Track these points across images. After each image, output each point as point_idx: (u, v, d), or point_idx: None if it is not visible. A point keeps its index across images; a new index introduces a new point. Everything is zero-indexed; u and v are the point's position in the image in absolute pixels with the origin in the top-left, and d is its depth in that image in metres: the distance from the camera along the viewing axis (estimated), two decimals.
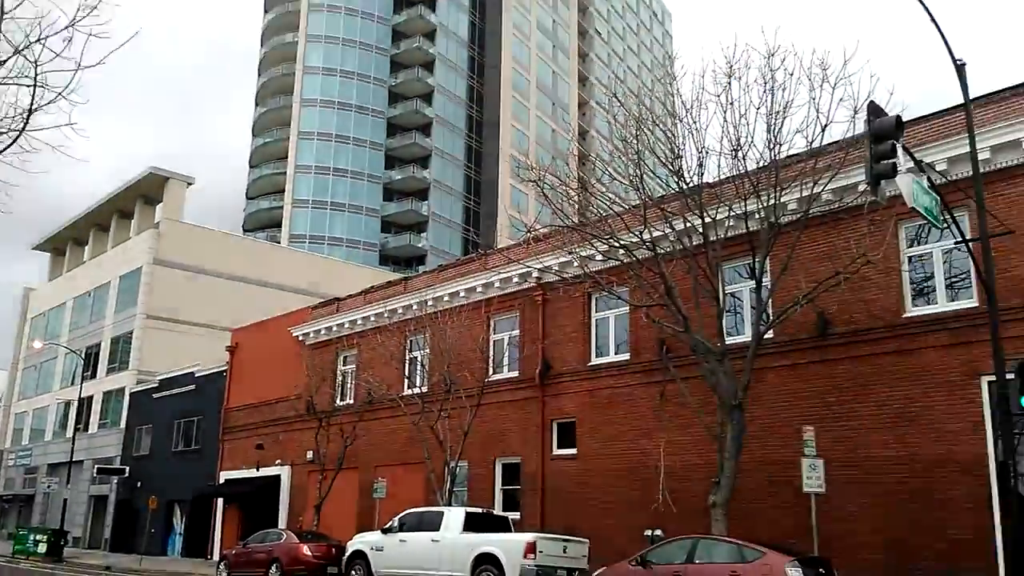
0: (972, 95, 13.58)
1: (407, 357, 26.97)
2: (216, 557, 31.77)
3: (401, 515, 19.90)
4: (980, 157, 13.56)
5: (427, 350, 25.33)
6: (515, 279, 24.18)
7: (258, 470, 32.85)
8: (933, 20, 12.59)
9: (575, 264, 19.44)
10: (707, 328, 16.13)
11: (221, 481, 35.28)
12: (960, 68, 12.72)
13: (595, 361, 22.28)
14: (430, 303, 26.03)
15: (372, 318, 29.02)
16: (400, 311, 27.71)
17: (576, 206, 19.08)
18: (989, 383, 14.30)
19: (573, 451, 22.03)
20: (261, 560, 23.23)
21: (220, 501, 35.32)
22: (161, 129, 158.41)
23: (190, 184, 53.17)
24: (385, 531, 19.74)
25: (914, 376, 15.91)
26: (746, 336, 17.42)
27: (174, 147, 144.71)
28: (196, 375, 39.41)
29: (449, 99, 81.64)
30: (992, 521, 14.38)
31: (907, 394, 15.94)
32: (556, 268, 20.56)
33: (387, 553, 19.22)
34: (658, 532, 17.99)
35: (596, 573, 15.91)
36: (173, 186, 51.68)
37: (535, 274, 22.75)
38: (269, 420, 33.18)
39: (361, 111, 78.38)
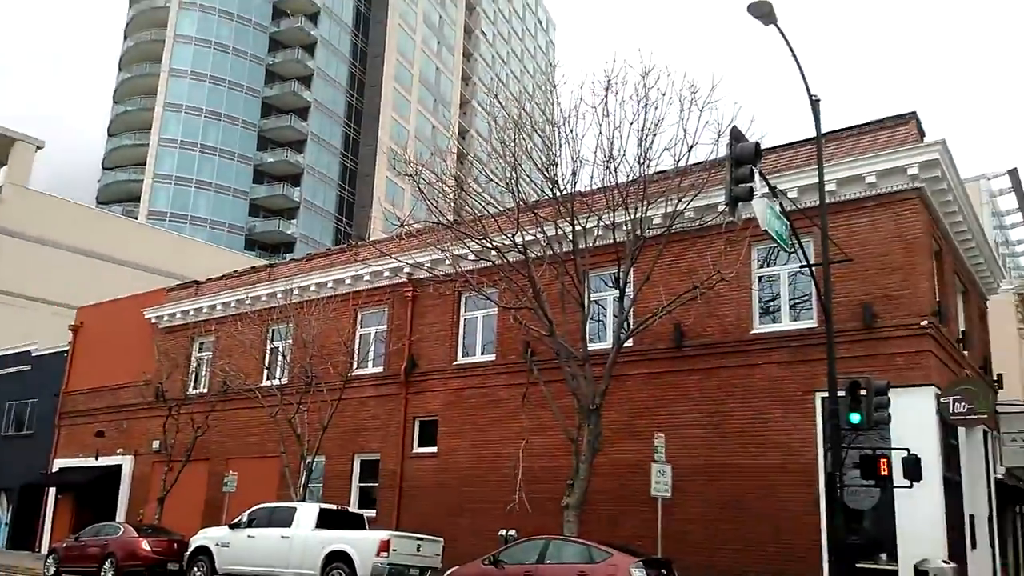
0: (825, 130, 14.60)
1: (268, 347, 26.11)
2: (45, 551, 29.59)
3: (251, 510, 19.23)
4: (827, 188, 14.59)
5: (289, 341, 24.62)
6: (386, 273, 23.89)
7: (97, 459, 30.85)
8: (794, 56, 13.43)
9: (447, 262, 19.44)
10: (571, 333, 16.52)
11: (55, 469, 32.91)
12: (815, 104, 13.64)
13: (461, 360, 22.34)
14: (296, 292, 25.31)
15: (233, 304, 27.90)
16: (263, 299, 26.79)
17: (451, 204, 19.08)
18: (823, 399, 15.35)
19: (434, 449, 22.00)
20: (94, 555, 21.80)
21: (52, 491, 32.93)
22: (11, 88, 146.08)
23: (39, 148, 49.25)
24: (233, 526, 19.01)
25: (758, 389, 16.91)
26: (607, 343, 17.96)
27: (23, 109, 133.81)
28: (33, 354, 36.56)
29: (329, 84, 79.70)
30: (820, 528, 15.50)
31: (751, 406, 16.92)
32: (428, 265, 20.48)
33: (233, 549, 18.52)
34: (512, 532, 18.26)
35: (448, 572, 15.96)
36: (20, 149, 47.71)
37: (406, 269, 22.57)
38: (113, 406, 31.23)
39: (235, 87, 75.18)
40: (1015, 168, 34.92)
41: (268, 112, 77.06)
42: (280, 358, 25.07)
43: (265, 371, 25.25)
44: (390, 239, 24.59)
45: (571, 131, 16.47)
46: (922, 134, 16.79)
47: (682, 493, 16.49)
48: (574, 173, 16.71)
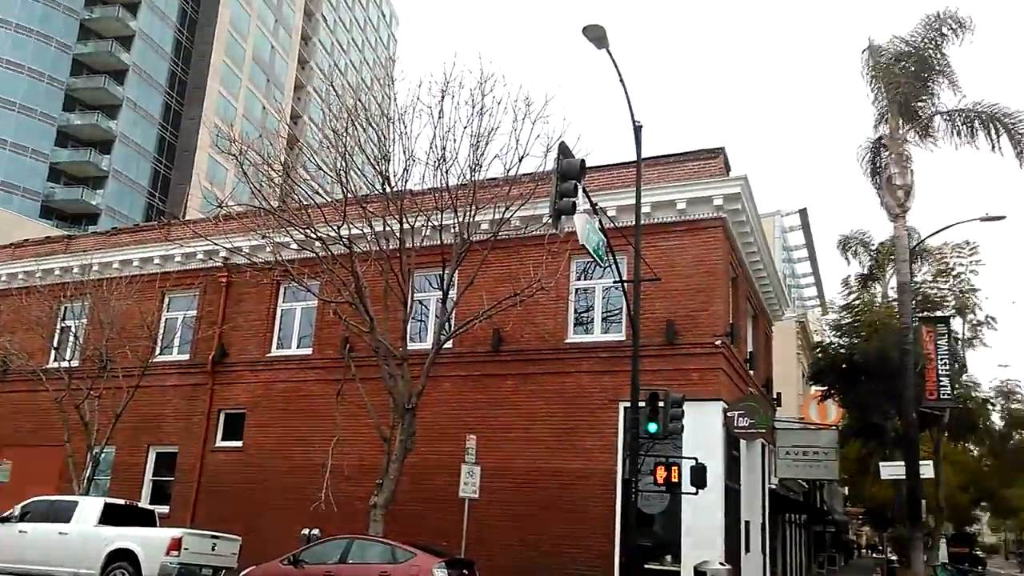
0: (646, 155, 15.48)
1: (58, 325, 23.96)
2: None
3: (25, 503, 17.49)
4: (643, 210, 15.48)
5: (84, 320, 22.71)
6: (200, 256, 22.66)
7: None
8: (622, 81, 14.13)
9: (267, 249, 18.73)
10: (392, 332, 16.42)
11: None
12: (637, 129, 14.43)
13: (275, 352, 21.58)
14: (95, 268, 23.40)
15: (20, 276, 25.37)
16: (57, 272, 24.58)
17: (277, 190, 18.40)
18: (625, 408, 16.25)
19: (239, 444, 21.09)
20: None
21: None
22: None
23: None
24: (2, 520, 17.23)
25: (568, 397, 17.61)
26: (428, 344, 18.02)
27: None
28: None
29: (151, 48, 74.29)
30: (615, 531, 16.36)
31: (561, 413, 17.59)
32: (246, 251, 19.64)
33: (1, 547, 16.77)
34: (315, 531, 17.82)
35: (244, 572, 15.33)
36: None
37: (222, 254, 21.51)
38: None
39: (43, 40, 68.33)
40: (805, 208, 38.78)
41: (80, 71, 70.65)
42: (72, 338, 23.06)
43: (53, 351, 23.14)
44: (207, 220, 23.34)
45: (406, 128, 16.41)
46: (728, 168, 18.22)
47: (491, 495, 16.83)
48: (406, 170, 16.65)
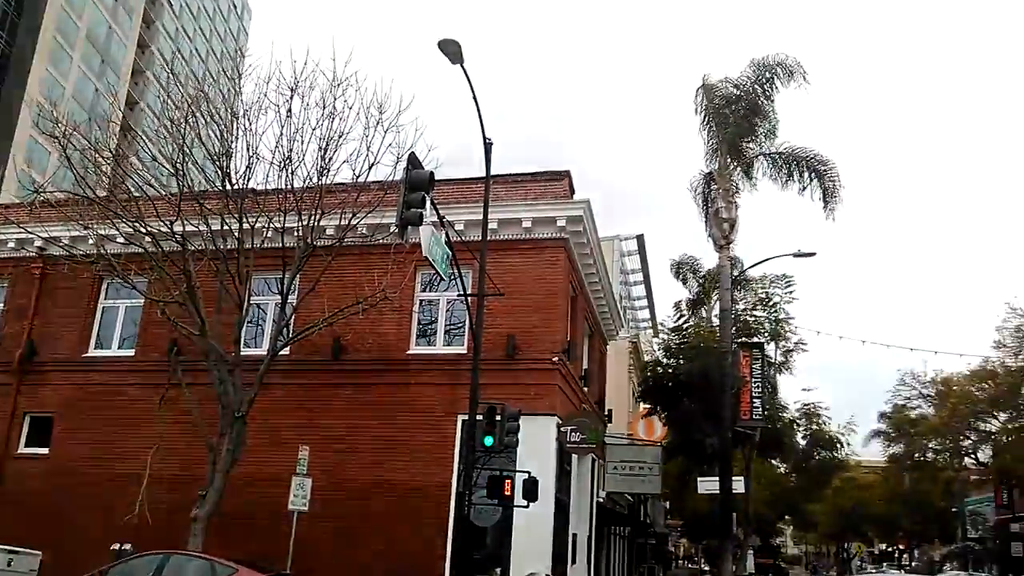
0: (495, 172, 15.78)
1: None
2: None
3: None
4: (490, 227, 15.74)
5: None
6: (11, 244, 20.80)
7: None
8: (475, 98, 14.35)
9: (90, 241, 17.44)
10: (225, 336, 15.72)
11: None
12: (487, 146, 14.70)
13: (93, 353, 20.11)
14: None
15: None
16: None
17: (105, 178, 17.20)
18: (463, 421, 16.37)
19: (45, 451, 19.42)
20: None
21: None
22: None
23: None
24: None
25: (408, 409, 17.50)
26: (263, 350, 17.37)
27: None
28: None
29: None
30: (447, 544, 16.37)
31: (400, 424, 17.44)
32: (66, 241, 18.18)
33: None
34: (127, 546, 16.62)
35: None
36: None
37: (37, 243, 19.82)
38: None
39: None
40: (642, 235, 40.80)
41: None
42: None
43: None
44: (21, 205, 21.45)
45: (251, 125, 15.85)
46: (572, 191, 18.90)
47: (324, 507, 16.39)
48: (249, 168, 16.06)
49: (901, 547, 77.91)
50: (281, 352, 16.32)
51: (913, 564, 73.39)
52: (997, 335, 34.50)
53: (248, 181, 16.10)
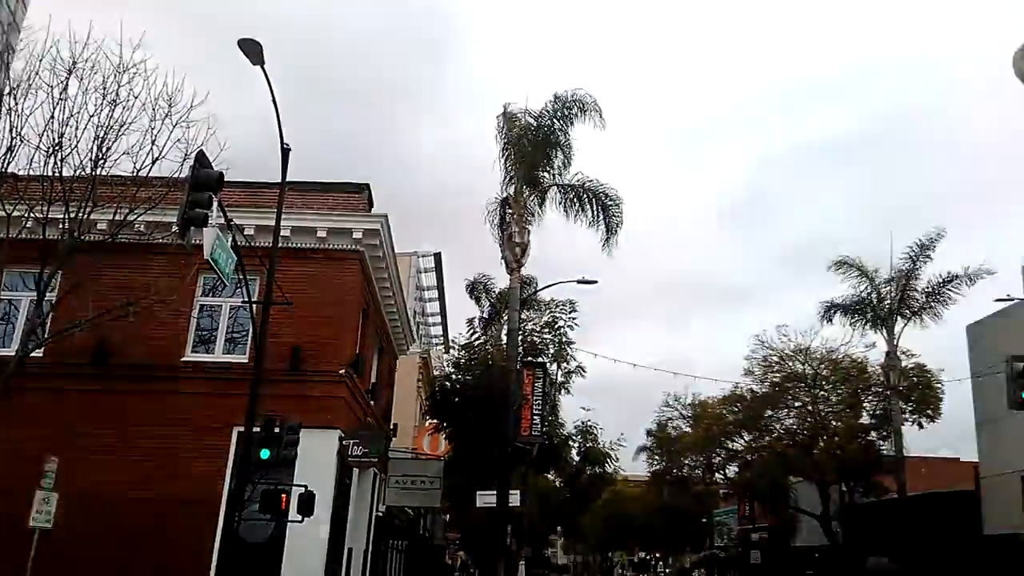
0: (292, 179, 15.40)
1: None
2: None
3: None
4: (282, 234, 15.32)
5: None
6: None
7: None
8: (274, 101, 13.97)
9: None
10: None
11: None
12: (285, 152, 14.38)
13: None
14: None
15: None
16: None
17: None
18: (239, 433, 15.73)
19: None
20: None
21: None
22: None
23: None
24: None
25: (181, 418, 16.52)
26: (11, 350, 15.66)
27: None
28: None
29: None
30: (212, 561, 15.58)
31: (170, 434, 16.42)
32: None
33: None
34: None
35: None
36: None
37: None
38: None
39: None
40: (439, 253, 41.34)
41: None
42: None
43: None
44: None
45: (16, 104, 14.32)
46: (371, 204, 18.88)
47: (76, 524, 14.96)
48: (11, 150, 14.49)
49: (659, 555, 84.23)
50: (34, 353, 14.82)
51: (667, 571, 79.54)
52: (746, 363, 38.34)
53: (7, 164, 14.50)
